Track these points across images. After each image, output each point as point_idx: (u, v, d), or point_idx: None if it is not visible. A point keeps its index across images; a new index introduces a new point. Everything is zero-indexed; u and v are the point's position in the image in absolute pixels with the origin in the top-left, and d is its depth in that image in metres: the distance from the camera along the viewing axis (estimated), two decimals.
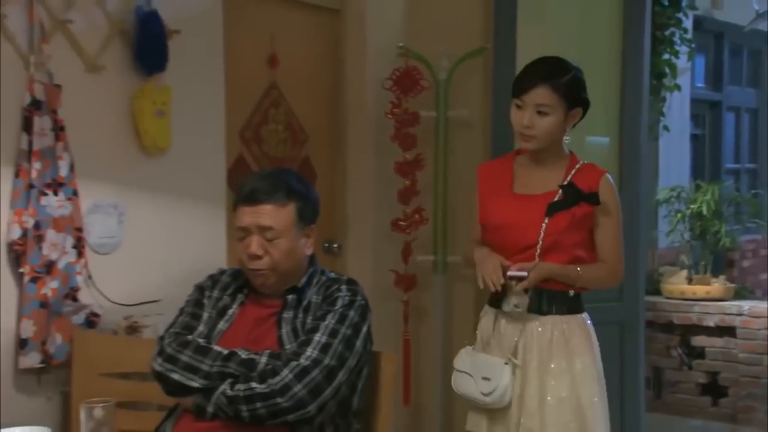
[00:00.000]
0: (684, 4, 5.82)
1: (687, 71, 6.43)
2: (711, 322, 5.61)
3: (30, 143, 2.62)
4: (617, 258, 2.74)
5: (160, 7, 2.96)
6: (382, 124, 3.93)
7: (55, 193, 2.68)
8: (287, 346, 2.27)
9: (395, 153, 3.90)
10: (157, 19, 2.95)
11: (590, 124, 4.14)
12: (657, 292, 5.84)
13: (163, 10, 2.97)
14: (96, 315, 2.79)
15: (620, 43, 3.97)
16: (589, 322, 2.74)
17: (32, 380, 2.67)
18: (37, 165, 2.62)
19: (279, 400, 2.15)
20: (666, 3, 5.67)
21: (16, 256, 2.60)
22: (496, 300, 2.71)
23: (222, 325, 2.35)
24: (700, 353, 5.71)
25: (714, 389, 5.65)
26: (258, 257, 2.30)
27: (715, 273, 5.94)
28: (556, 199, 2.65)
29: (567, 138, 2.70)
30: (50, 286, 2.65)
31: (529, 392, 2.63)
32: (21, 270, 2.60)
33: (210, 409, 2.18)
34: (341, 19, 4.00)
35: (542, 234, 2.63)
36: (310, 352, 2.20)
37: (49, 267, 2.66)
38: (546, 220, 2.63)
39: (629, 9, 3.97)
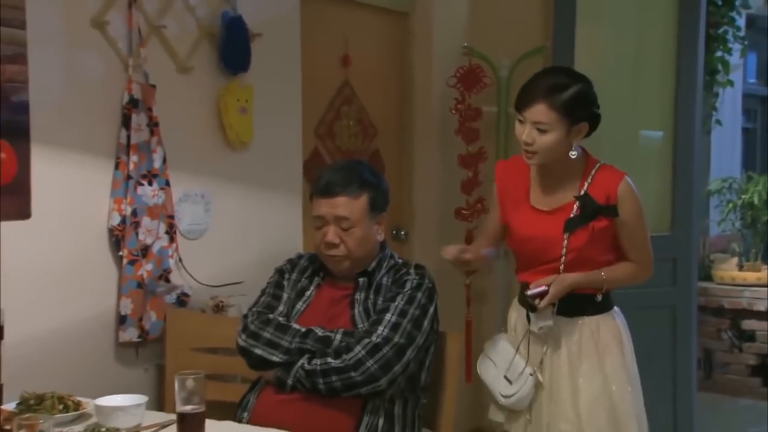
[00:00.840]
0: (737, 3, 5.69)
1: (739, 68, 6.28)
2: (761, 306, 5.49)
3: (128, 138, 2.66)
4: (641, 257, 2.53)
5: (244, 13, 2.99)
6: (447, 119, 3.93)
7: (150, 184, 2.72)
8: (359, 325, 2.30)
9: (459, 146, 3.90)
10: (242, 24, 2.99)
11: (645, 118, 4.12)
12: (708, 278, 5.74)
13: (247, 15, 3.01)
14: (186, 295, 2.84)
15: (675, 41, 3.90)
16: (619, 318, 2.57)
17: (131, 353, 2.73)
18: (134, 158, 2.67)
19: (352, 374, 2.18)
20: (720, 2, 5.55)
21: (116, 240, 2.65)
22: (525, 302, 2.49)
23: (300, 305, 2.39)
24: (750, 336, 5.60)
25: (764, 370, 5.54)
26: (334, 245, 2.34)
27: (766, 260, 5.82)
28: (573, 214, 2.43)
29: (573, 153, 2.41)
30: (146, 268, 2.70)
31: (562, 395, 2.48)
32: (120, 253, 2.65)
33: (290, 381, 2.22)
34: (409, 21, 4.01)
35: (564, 250, 2.43)
36: (381, 330, 2.23)
37: (145, 251, 2.71)
38: (566, 236, 2.43)
39: (684, 8, 3.89)
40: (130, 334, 2.67)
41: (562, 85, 2.37)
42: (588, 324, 2.50)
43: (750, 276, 5.62)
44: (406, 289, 2.33)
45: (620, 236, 2.48)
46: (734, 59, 5.86)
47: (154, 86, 2.74)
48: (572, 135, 2.40)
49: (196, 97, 2.94)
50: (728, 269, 5.73)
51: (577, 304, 2.47)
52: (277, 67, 3.22)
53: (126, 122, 2.67)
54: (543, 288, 2.41)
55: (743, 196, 5.76)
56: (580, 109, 2.39)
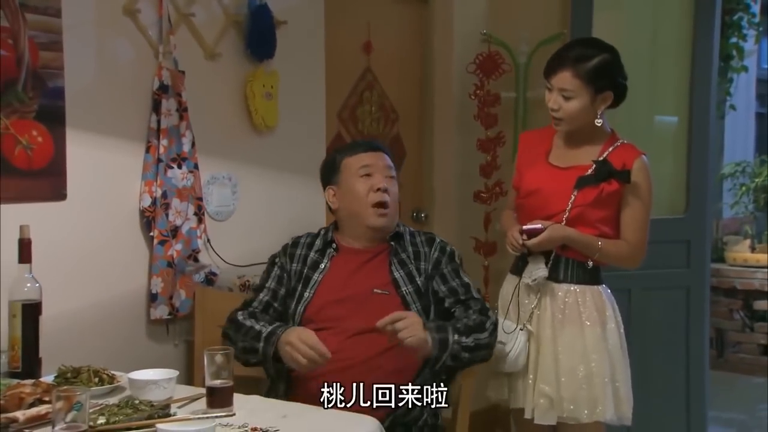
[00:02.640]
0: None
1: (754, 53, 6.23)
2: None
3: (158, 122, 2.67)
4: (637, 239, 2.52)
5: (269, 1, 2.99)
6: (466, 104, 3.92)
7: (179, 167, 2.73)
8: (403, 288, 2.36)
9: (478, 131, 3.89)
10: (267, 12, 2.99)
11: (661, 104, 4.09)
12: (721, 259, 5.71)
13: (272, 3, 3.00)
14: (214, 274, 2.85)
15: (691, 27, 3.86)
16: (606, 295, 2.57)
17: (161, 330, 2.75)
18: (164, 142, 2.68)
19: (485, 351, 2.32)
20: None
21: (147, 221, 2.67)
22: (517, 267, 2.61)
23: (317, 276, 2.42)
24: (761, 316, 5.58)
25: None
26: (386, 190, 2.40)
27: None
28: (588, 173, 2.49)
29: (599, 121, 2.49)
30: (175, 248, 2.72)
31: (545, 360, 2.52)
32: (151, 234, 2.67)
33: (445, 357, 2.24)
34: (429, 8, 3.99)
35: (570, 205, 2.47)
36: (484, 304, 2.43)
37: (174, 231, 2.72)
38: (575, 192, 2.47)
39: None
40: (161, 311, 2.70)
41: (588, 55, 2.44)
42: (574, 292, 2.52)
43: (762, 258, 5.59)
44: (455, 259, 2.47)
45: (622, 210, 2.50)
46: (749, 45, 5.80)
47: (183, 72, 2.75)
48: (597, 103, 2.46)
49: (223, 83, 2.95)
50: (741, 251, 5.70)
51: (566, 269, 2.51)
52: (302, 54, 3.22)
53: (156, 107, 2.68)
54: (539, 226, 2.44)
55: (756, 180, 5.72)
56: (605, 78, 2.45)
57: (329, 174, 2.53)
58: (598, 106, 2.47)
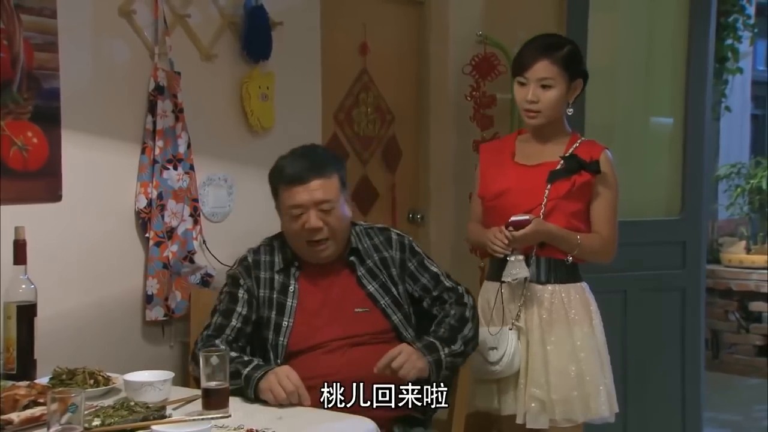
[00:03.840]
0: None
1: (748, 55, 6.25)
2: None
3: (154, 124, 2.66)
4: (610, 231, 2.54)
5: (265, 2, 2.98)
6: (462, 105, 3.91)
7: (175, 168, 2.72)
8: (381, 301, 2.33)
9: (474, 132, 3.89)
10: (263, 12, 2.98)
11: (656, 105, 4.09)
12: (716, 260, 5.72)
13: (269, 3, 2.99)
14: (209, 275, 2.84)
15: (686, 29, 3.87)
16: (588, 291, 2.58)
17: (157, 331, 2.74)
18: (159, 143, 2.67)
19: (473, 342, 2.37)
20: None
21: (143, 222, 2.66)
22: (496, 273, 2.55)
23: (290, 302, 2.33)
24: (757, 317, 5.59)
25: None
26: (318, 230, 2.29)
27: None
28: (558, 168, 2.50)
29: (570, 110, 2.55)
30: (171, 250, 2.71)
31: (534, 364, 2.49)
32: (147, 235, 2.66)
33: (444, 370, 2.26)
34: (425, 10, 3.98)
35: (545, 199, 2.47)
36: (461, 288, 2.44)
37: (170, 233, 2.71)
38: (549, 186, 2.48)
39: None
40: (157, 312, 2.69)
41: (558, 44, 2.52)
42: (558, 292, 2.52)
43: (758, 259, 5.60)
44: (417, 252, 2.45)
45: (593, 204, 2.52)
46: (744, 47, 5.82)
47: (179, 73, 2.74)
48: (571, 92, 2.52)
49: (219, 84, 2.94)
50: (736, 252, 5.71)
51: (548, 269, 2.51)
52: (298, 55, 3.21)
53: (152, 108, 2.67)
54: (526, 217, 2.41)
55: (751, 181, 5.73)
56: (576, 65, 2.52)
57: (272, 191, 2.43)
58: (570, 95, 2.52)
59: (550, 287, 2.52)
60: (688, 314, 3.87)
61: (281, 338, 2.30)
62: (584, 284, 2.58)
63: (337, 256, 2.36)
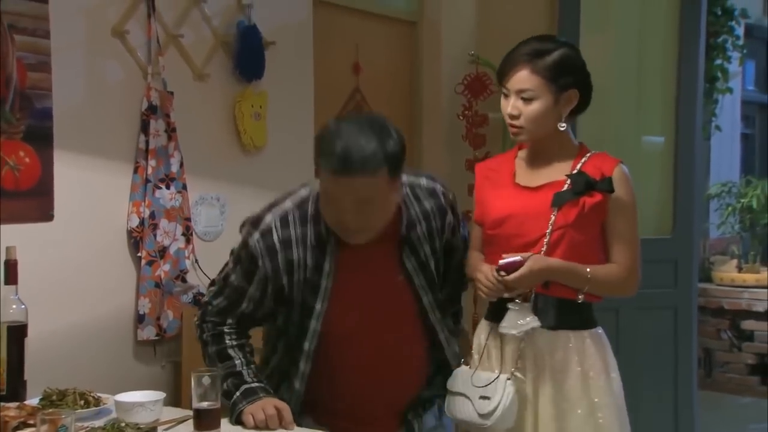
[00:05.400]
0: (736, 13, 5.70)
1: (738, 75, 6.29)
2: (760, 307, 5.49)
3: (147, 143, 2.67)
4: (631, 260, 2.11)
5: (258, 21, 3.00)
6: (455, 125, 3.93)
7: (167, 187, 2.72)
8: (416, 280, 2.07)
9: (466, 151, 3.90)
10: (256, 32, 3.00)
11: (647, 124, 4.11)
12: (708, 279, 5.73)
13: (261, 23, 3.01)
14: (202, 294, 2.79)
15: (676, 50, 3.90)
16: (605, 338, 2.16)
17: (149, 351, 2.73)
18: (152, 162, 2.67)
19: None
20: (719, 12, 5.56)
21: (135, 242, 2.66)
22: (494, 314, 2.14)
23: (324, 282, 2.02)
24: (749, 336, 5.60)
25: (762, 369, 5.54)
26: (352, 223, 1.95)
27: (764, 262, 5.81)
28: (564, 188, 2.08)
29: (562, 125, 2.10)
30: (163, 269, 2.70)
31: (545, 425, 2.07)
32: (139, 254, 2.66)
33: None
34: (418, 30, 4.01)
35: (550, 227, 2.05)
36: None
37: (162, 252, 2.71)
38: (555, 211, 2.05)
39: (685, 19, 3.90)
40: (148, 332, 2.68)
41: (545, 50, 2.09)
42: (574, 340, 2.10)
43: (749, 277, 5.61)
44: (456, 227, 2.18)
45: (608, 230, 2.10)
46: (733, 67, 5.86)
47: (171, 93, 2.75)
48: (561, 104, 2.10)
49: (212, 104, 2.94)
50: (728, 271, 5.72)
51: (558, 312, 2.09)
52: (291, 74, 3.22)
53: (145, 128, 2.68)
54: (517, 258, 2.00)
55: (742, 200, 5.75)
56: (567, 73, 2.09)
57: (316, 160, 2.00)
58: (562, 107, 2.10)
59: (563, 334, 2.09)
60: (680, 333, 3.88)
61: (314, 322, 2.03)
62: (599, 330, 2.16)
63: (378, 236, 2.01)
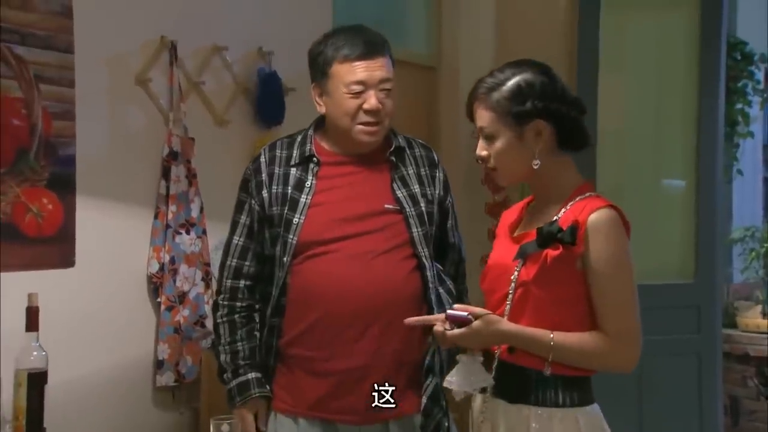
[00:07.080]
0: (756, 57, 5.73)
1: (759, 119, 6.28)
2: None
3: (167, 188, 2.71)
4: (620, 326, 1.76)
5: (278, 68, 3.05)
6: (473, 169, 3.94)
7: (188, 232, 2.75)
8: (407, 210, 2.14)
9: (486, 195, 3.91)
10: (276, 79, 3.05)
11: (667, 168, 4.11)
12: (733, 325, 5.65)
13: (282, 70, 3.06)
14: None
15: (696, 93, 3.91)
16: (601, 418, 1.82)
17: (167, 397, 2.73)
18: (173, 207, 2.71)
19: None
20: (739, 57, 5.58)
21: (155, 287, 2.68)
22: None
23: (304, 198, 2.11)
24: None
25: None
26: (378, 110, 2.09)
27: None
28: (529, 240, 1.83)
29: (536, 162, 1.82)
30: (182, 314, 2.72)
31: None
32: (158, 300, 2.68)
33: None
34: (437, 75, 4.06)
35: (513, 283, 1.79)
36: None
37: (182, 297, 2.73)
38: (518, 267, 1.80)
39: (704, 63, 3.92)
40: (167, 378, 2.69)
41: (501, 80, 1.84)
42: (539, 420, 1.77)
43: None
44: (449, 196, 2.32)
45: (591, 290, 1.78)
46: (754, 111, 5.86)
47: (192, 139, 2.79)
48: (527, 139, 1.82)
49: (232, 149, 2.98)
50: (752, 317, 5.64)
51: (519, 383, 1.80)
52: (310, 120, 3.23)
53: (166, 173, 2.72)
54: (465, 314, 1.76)
55: (765, 245, 5.70)
56: (523, 103, 1.81)
57: (316, 71, 2.15)
58: (531, 143, 1.82)
59: (525, 410, 1.78)
60: (704, 380, 3.83)
61: (291, 236, 2.09)
62: (594, 407, 1.82)
63: (375, 147, 2.16)
